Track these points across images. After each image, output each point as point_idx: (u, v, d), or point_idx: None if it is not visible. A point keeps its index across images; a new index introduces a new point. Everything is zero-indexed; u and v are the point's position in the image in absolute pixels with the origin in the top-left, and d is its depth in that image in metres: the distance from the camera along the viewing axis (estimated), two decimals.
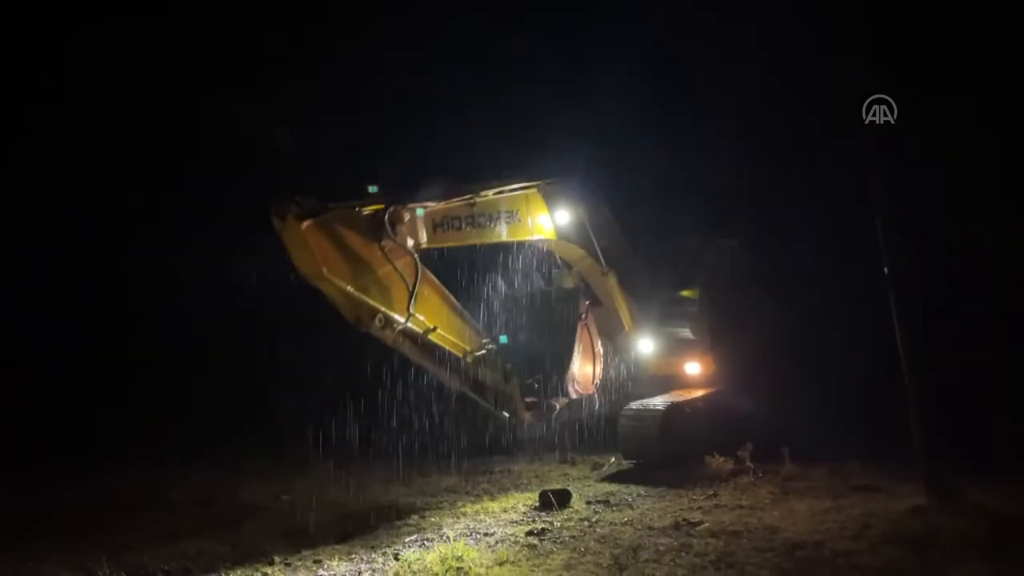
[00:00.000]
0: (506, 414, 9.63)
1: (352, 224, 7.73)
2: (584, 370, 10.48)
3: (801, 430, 10.21)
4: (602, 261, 11.23)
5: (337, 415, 10.56)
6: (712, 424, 10.72)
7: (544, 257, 11.06)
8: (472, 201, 9.09)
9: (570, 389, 10.03)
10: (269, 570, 7.08)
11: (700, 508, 8.50)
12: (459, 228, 8.98)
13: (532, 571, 6.68)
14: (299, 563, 7.20)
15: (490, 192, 9.37)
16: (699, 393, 11.16)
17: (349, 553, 7.43)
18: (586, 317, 10.51)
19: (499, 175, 9.81)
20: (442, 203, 8.66)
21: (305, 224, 7.24)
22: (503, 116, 18.81)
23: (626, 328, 11.87)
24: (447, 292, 8.80)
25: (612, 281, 11.41)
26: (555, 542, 7.48)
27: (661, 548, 7.10)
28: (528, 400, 9.74)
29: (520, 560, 6.94)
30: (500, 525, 8.19)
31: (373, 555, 7.35)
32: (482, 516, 8.77)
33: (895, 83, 8.86)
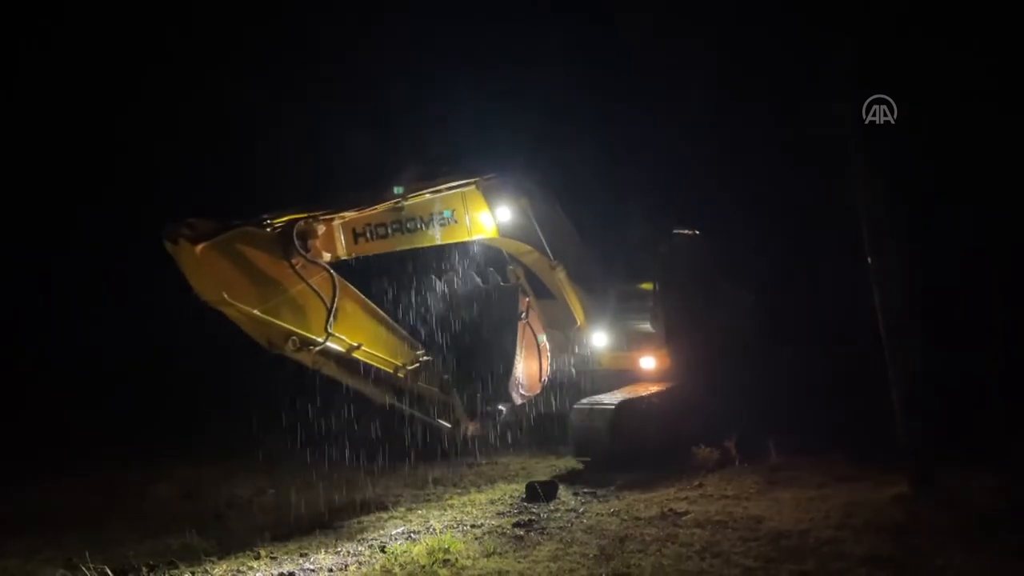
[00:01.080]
0: (448, 425, 9.06)
1: (257, 243, 7.22)
2: (530, 370, 9.91)
3: (769, 424, 10.16)
4: (550, 254, 10.67)
5: (318, 409, 10.24)
6: (668, 421, 10.18)
7: (478, 255, 10.44)
8: (399, 205, 8.46)
9: (514, 394, 9.46)
10: (255, 563, 7.03)
11: (686, 498, 8.48)
12: (385, 235, 8.43)
13: (519, 562, 6.69)
14: (285, 556, 7.17)
15: (424, 193, 8.76)
16: (654, 388, 10.63)
17: (335, 545, 7.43)
18: (527, 315, 9.92)
19: (432, 174, 9.26)
20: (362, 211, 8.02)
21: (200, 247, 6.71)
22: (448, 113, 18.11)
23: (578, 322, 11.32)
24: (373, 305, 8.25)
25: (561, 275, 10.90)
26: (542, 533, 7.53)
27: (647, 538, 7.13)
28: (470, 409, 9.15)
29: (507, 552, 6.97)
30: (487, 517, 8.22)
31: (359, 547, 7.34)
32: (469, 508, 8.74)
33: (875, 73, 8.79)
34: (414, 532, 7.79)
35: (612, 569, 6.42)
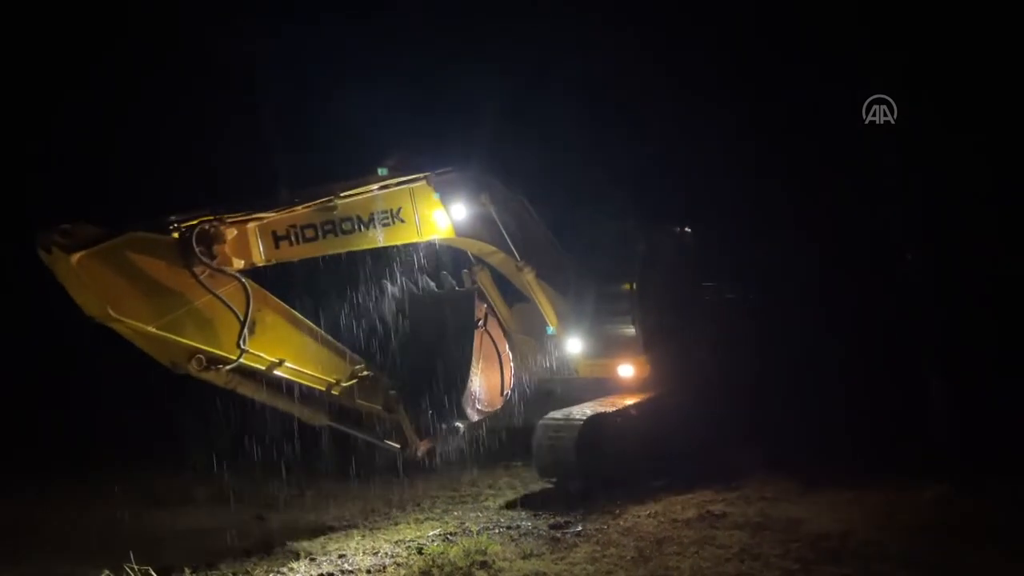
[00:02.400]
0: (396, 445, 8.26)
1: (151, 250, 6.43)
2: (489, 383, 9.07)
3: (763, 436, 9.98)
4: (516, 254, 9.81)
5: None
6: (647, 436, 9.31)
7: (442, 256, 9.63)
8: (331, 204, 7.63)
9: (469, 410, 8.62)
10: (295, 564, 7.10)
11: (724, 500, 8.42)
12: (314, 238, 7.56)
13: (556, 564, 6.74)
14: (323, 557, 7.24)
15: (360, 191, 7.93)
16: (632, 400, 9.74)
17: (373, 547, 7.48)
18: (485, 322, 9.07)
19: (372, 170, 8.42)
20: (283, 211, 7.22)
21: (76, 257, 5.95)
22: (415, 113, 17.28)
23: (550, 327, 10.45)
24: (299, 316, 7.46)
25: (529, 276, 10.05)
26: (578, 535, 7.55)
27: (685, 540, 7.13)
28: (420, 427, 8.36)
29: (544, 553, 7.03)
30: (523, 518, 8.22)
31: (397, 549, 7.39)
32: (505, 509, 8.76)
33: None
34: (451, 534, 7.79)
35: (650, 571, 6.45)
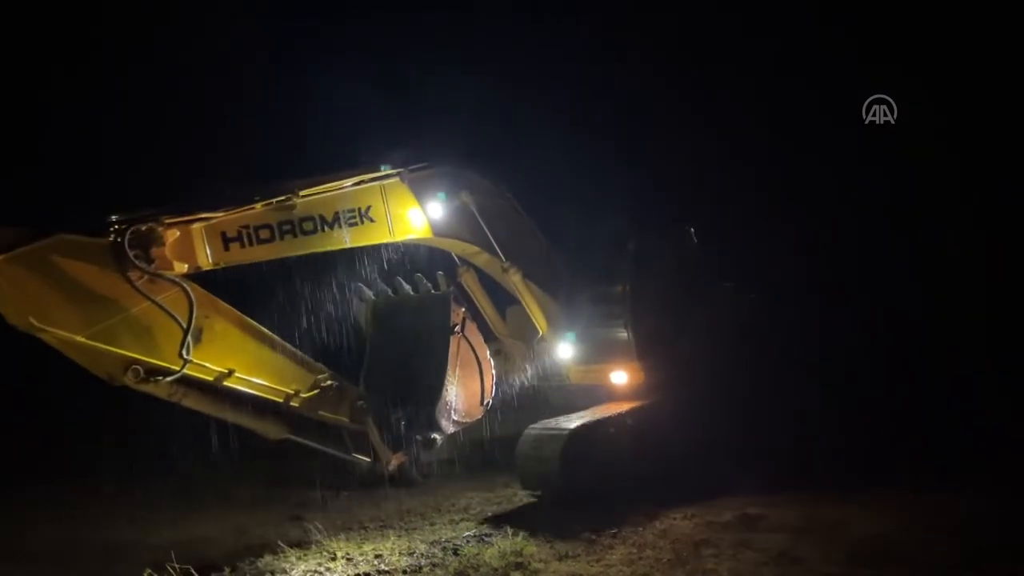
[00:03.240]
0: (365, 459, 7.77)
1: (81, 254, 6.00)
2: (467, 392, 8.53)
3: (764, 451, 9.16)
4: (500, 254, 9.26)
5: None
6: (640, 448, 8.69)
7: (423, 257, 9.14)
8: (290, 203, 7.15)
9: (444, 421, 8.09)
10: (332, 564, 7.06)
11: (762, 503, 8.04)
12: (270, 239, 7.08)
13: (592, 566, 6.62)
14: (360, 557, 7.18)
15: (317, 190, 7.42)
16: (625, 408, 9.13)
17: (409, 548, 7.38)
18: (463, 327, 8.53)
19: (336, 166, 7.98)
20: (232, 212, 6.75)
21: None
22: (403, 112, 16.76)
23: (540, 331, 9.88)
24: (253, 323, 7.05)
25: (516, 277, 9.47)
26: (614, 536, 7.32)
27: (723, 543, 6.94)
28: (392, 440, 7.88)
29: (580, 555, 6.89)
30: (558, 519, 7.85)
31: (433, 550, 7.27)
32: (540, 510, 8.45)
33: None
34: (487, 535, 7.60)
35: (687, 573, 6.34)
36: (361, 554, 7.26)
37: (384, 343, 8.72)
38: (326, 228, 7.52)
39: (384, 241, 8.26)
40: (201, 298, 6.54)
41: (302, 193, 7.28)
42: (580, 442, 8.39)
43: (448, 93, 17.22)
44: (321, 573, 6.89)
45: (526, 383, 10.16)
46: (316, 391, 7.43)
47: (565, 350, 9.91)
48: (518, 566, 6.63)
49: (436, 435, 8.28)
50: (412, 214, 8.43)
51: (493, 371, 8.90)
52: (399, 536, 7.79)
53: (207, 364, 6.58)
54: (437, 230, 8.72)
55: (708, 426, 9.27)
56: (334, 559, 7.17)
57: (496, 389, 8.98)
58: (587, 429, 8.56)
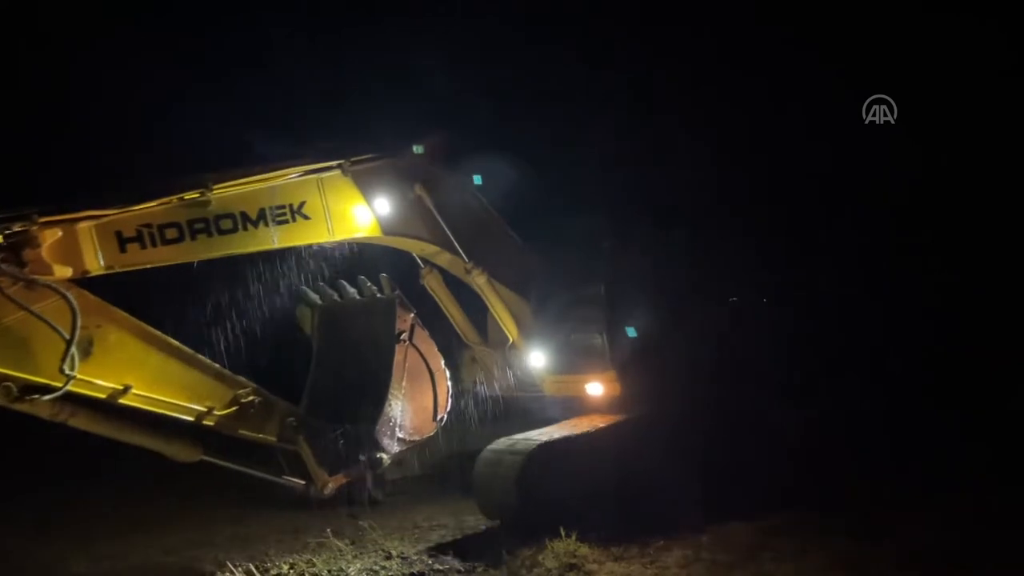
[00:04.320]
0: (299, 482, 7.00)
1: None
2: (417, 406, 7.70)
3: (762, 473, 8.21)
4: (462, 254, 8.44)
5: None
6: (614, 469, 7.79)
7: (380, 258, 8.38)
8: (204, 199, 6.41)
9: (386, 440, 7.27)
10: (387, 563, 7.17)
11: (820, 509, 7.80)
12: (177, 239, 6.33)
13: (647, 568, 6.62)
14: (416, 557, 7.26)
15: (234, 183, 6.67)
16: (599, 424, 8.24)
17: (463, 550, 7.39)
18: (411, 334, 7.71)
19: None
20: (128, 209, 6.02)
21: None
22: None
23: (511, 338, 9.04)
24: (155, 332, 6.24)
25: (481, 279, 8.67)
26: (670, 538, 7.19)
27: (783, 547, 6.80)
28: (327, 460, 7.09)
29: (635, 557, 6.87)
30: (612, 520, 7.56)
31: (486, 551, 7.25)
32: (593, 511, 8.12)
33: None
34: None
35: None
36: (416, 553, 7.36)
37: (329, 352, 7.96)
38: (249, 227, 6.76)
39: (322, 241, 7.52)
40: (90, 306, 5.78)
41: (217, 188, 6.53)
42: (542, 462, 7.54)
43: (426, 85, 16.43)
44: (376, 572, 6.99)
45: (501, 393, 9.36)
46: (234, 408, 6.64)
47: (537, 358, 9.06)
48: (572, 567, 6.65)
49: (381, 455, 7.47)
50: (357, 211, 7.68)
51: (449, 383, 8.06)
52: (454, 537, 7.89)
53: (97, 380, 5.80)
54: (387, 228, 7.94)
55: (703, 440, 8.34)
56: (389, 558, 7.27)
57: (454, 402, 8.13)
58: (552, 447, 7.71)
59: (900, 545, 6.75)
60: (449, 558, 7.19)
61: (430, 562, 7.15)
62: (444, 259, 8.73)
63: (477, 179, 8.29)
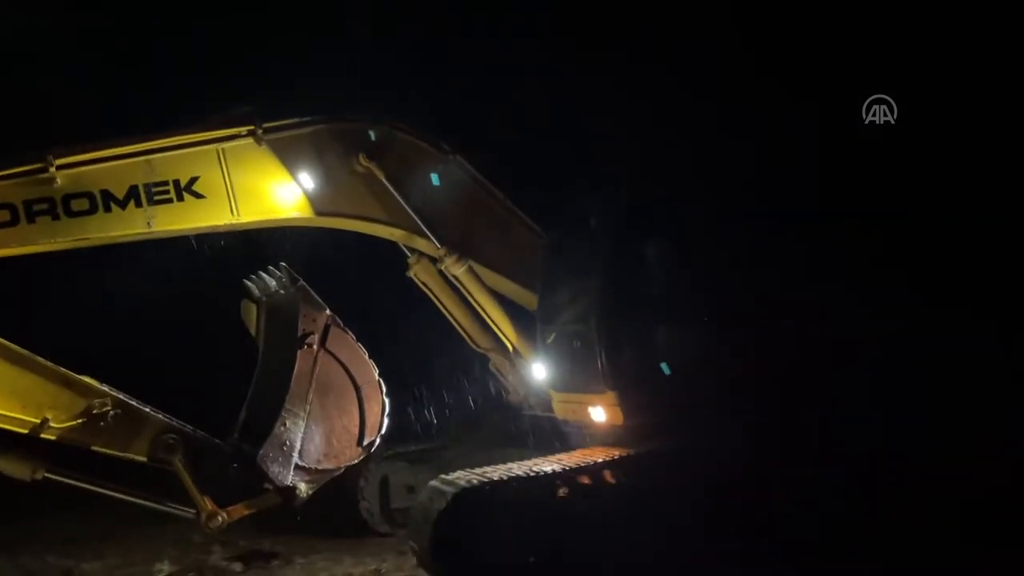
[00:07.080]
0: (188, 511, 5.89)
1: None
2: (334, 425, 6.14)
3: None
4: (432, 238, 6.81)
5: None
6: (596, 533, 5.68)
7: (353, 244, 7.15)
8: (48, 176, 5.55)
9: (275, 468, 5.81)
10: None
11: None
12: (10, 223, 5.52)
13: None
14: None
15: (87, 156, 5.72)
16: (589, 460, 6.10)
17: None
18: (324, 338, 6.15)
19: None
20: None
21: None
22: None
23: (508, 345, 7.17)
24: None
25: (458, 268, 7.00)
26: None
27: None
28: (211, 487, 5.87)
29: None
30: None
31: None
32: None
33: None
34: None
35: None
36: None
37: (266, 355, 6.75)
38: (114, 207, 5.78)
39: (223, 224, 6.28)
40: None
41: (60, 162, 5.60)
42: (472, 509, 5.64)
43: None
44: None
45: (514, 409, 7.58)
46: (81, 419, 5.67)
47: (539, 371, 7.07)
48: None
49: (300, 484, 6.08)
50: (278, 187, 6.46)
51: (385, 398, 6.39)
52: None
53: None
54: (320, 207, 6.63)
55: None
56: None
57: (389, 421, 6.43)
58: (488, 490, 5.74)
59: None
60: None
61: None
62: (420, 244, 7.21)
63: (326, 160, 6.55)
